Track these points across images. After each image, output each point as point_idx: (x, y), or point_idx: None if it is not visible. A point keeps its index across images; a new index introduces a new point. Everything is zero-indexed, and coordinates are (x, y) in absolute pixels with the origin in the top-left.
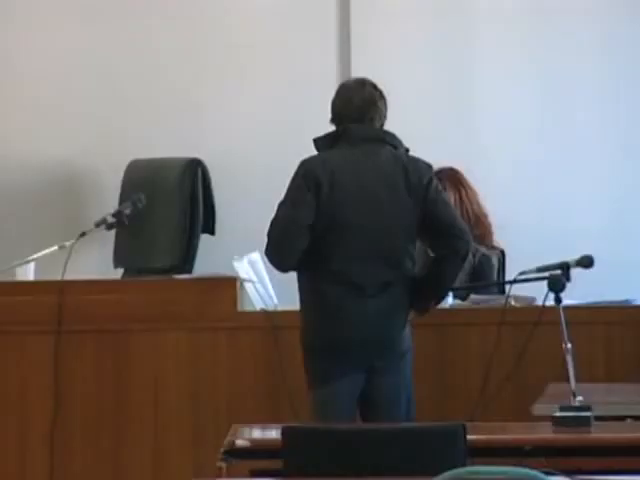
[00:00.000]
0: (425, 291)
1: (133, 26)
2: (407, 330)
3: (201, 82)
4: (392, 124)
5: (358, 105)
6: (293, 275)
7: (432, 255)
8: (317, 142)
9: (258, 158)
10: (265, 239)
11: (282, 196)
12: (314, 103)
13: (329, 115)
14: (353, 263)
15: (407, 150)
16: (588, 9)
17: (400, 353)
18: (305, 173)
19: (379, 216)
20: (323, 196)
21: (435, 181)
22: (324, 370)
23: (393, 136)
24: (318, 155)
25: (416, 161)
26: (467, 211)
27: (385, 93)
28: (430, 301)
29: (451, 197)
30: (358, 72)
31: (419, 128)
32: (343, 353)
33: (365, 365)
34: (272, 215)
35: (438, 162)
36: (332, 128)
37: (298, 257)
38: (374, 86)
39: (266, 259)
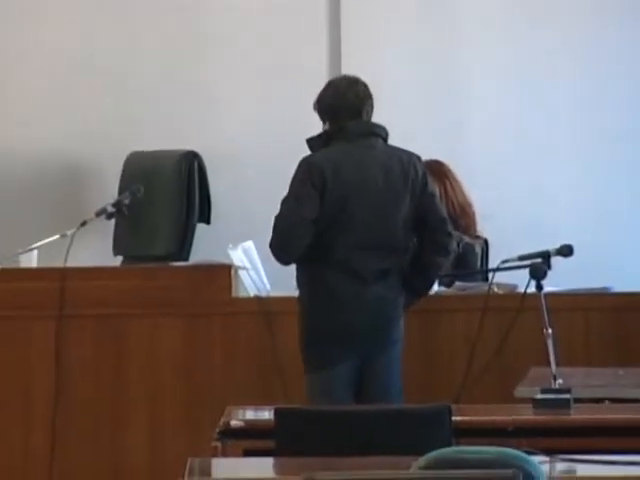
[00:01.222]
0: (414, 285)
1: (134, 25)
2: (402, 320)
3: (198, 78)
4: (382, 120)
5: (353, 101)
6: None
7: (419, 248)
8: (310, 142)
9: (252, 150)
10: (258, 229)
11: (278, 192)
12: (305, 99)
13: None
14: (355, 253)
15: (386, 138)
16: (569, 10)
17: (393, 340)
18: (310, 170)
19: (380, 209)
20: (328, 192)
21: (428, 175)
22: (325, 355)
23: (383, 128)
24: (320, 153)
25: (408, 154)
26: (452, 202)
27: (375, 90)
28: (417, 296)
29: (437, 189)
30: (348, 70)
31: (408, 123)
32: (344, 339)
33: (362, 350)
34: (268, 208)
35: (426, 155)
36: (316, 128)
37: (302, 251)
38: (364, 84)
39: (264, 249)
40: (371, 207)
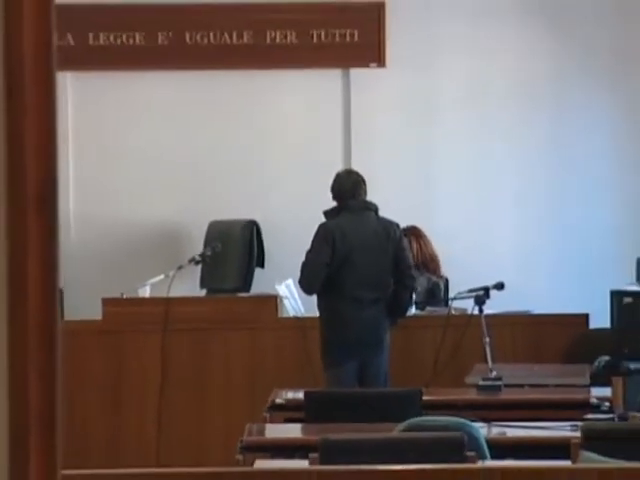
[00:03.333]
0: (393, 310)
1: (213, 132)
2: (388, 333)
3: (254, 169)
4: (380, 195)
5: (349, 187)
6: (313, 296)
7: (394, 287)
8: (326, 213)
9: (292, 219)
10: (296, 271)
11: (308, 246)
12: (326, 185)
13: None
14: (356, 287)
15: (377, 211)
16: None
17: (383, 347)
18: (325, 232)
19: (372, 258)
20: (337, 248)
21: (402, 236)
22: (336, 357)
23: (374, 204)
24: (332, 221)
25: (390, 222)
26: (425, 254)
27: (374, 175)
28: (397, 317)
29: (414, 246)
30: (356, 162)
31: (398, 198)
32: (350, 346)
33: (362, 354)
34: (301, 257)
35: (409, 219)
36: (333, 202)
37: (320, 285)
38: (357, 173)
39: (298, 285)
40: (366, 258)
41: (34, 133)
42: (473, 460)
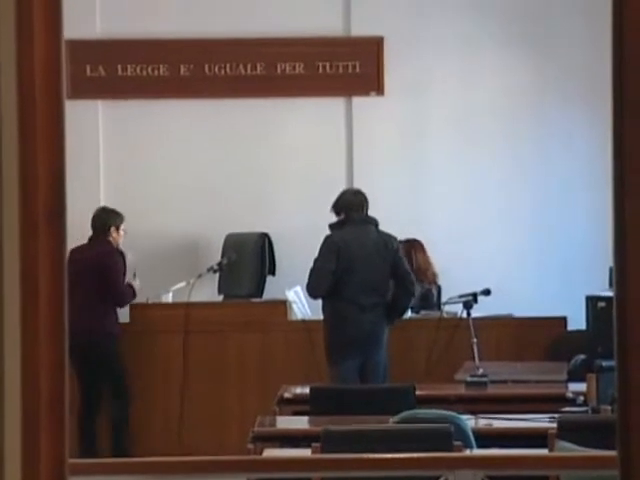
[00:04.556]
0: (392, 312)
1: (231, 153)
2: (385, 334)
3: (269, 188)
4: (379, 210)
5: (355, 203)
6: (319, 300)
7: (394, 291)
8: (331, 226)
9: (300, 232)
10: (303, 279)
11: (315, 255)
12: (329, 202)
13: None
14: (357, 292)
15: (377, 225)
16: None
17: (380, 346)
18: (330, 243)
19: (372, 267)
20: (341, 258)
21: (400, 247)
22: (339, 356)
23: (374, 219)
24: (336, 233)
25: (389, 235)
26: (421, 263)
27: (374, 193)
28: (395, 318)
29: (414, 255)
30: (358, 180)
31: (396, 213)
32: (351, 345)
33: (362, 352)
34: (309, 266)
35: (407, 233)
36: (334, 216)
37: (325, 292)
38: (361, 192)
39: (305, 290)
40: (367, 266)
41: (44, 153)
42: (460, 449)
